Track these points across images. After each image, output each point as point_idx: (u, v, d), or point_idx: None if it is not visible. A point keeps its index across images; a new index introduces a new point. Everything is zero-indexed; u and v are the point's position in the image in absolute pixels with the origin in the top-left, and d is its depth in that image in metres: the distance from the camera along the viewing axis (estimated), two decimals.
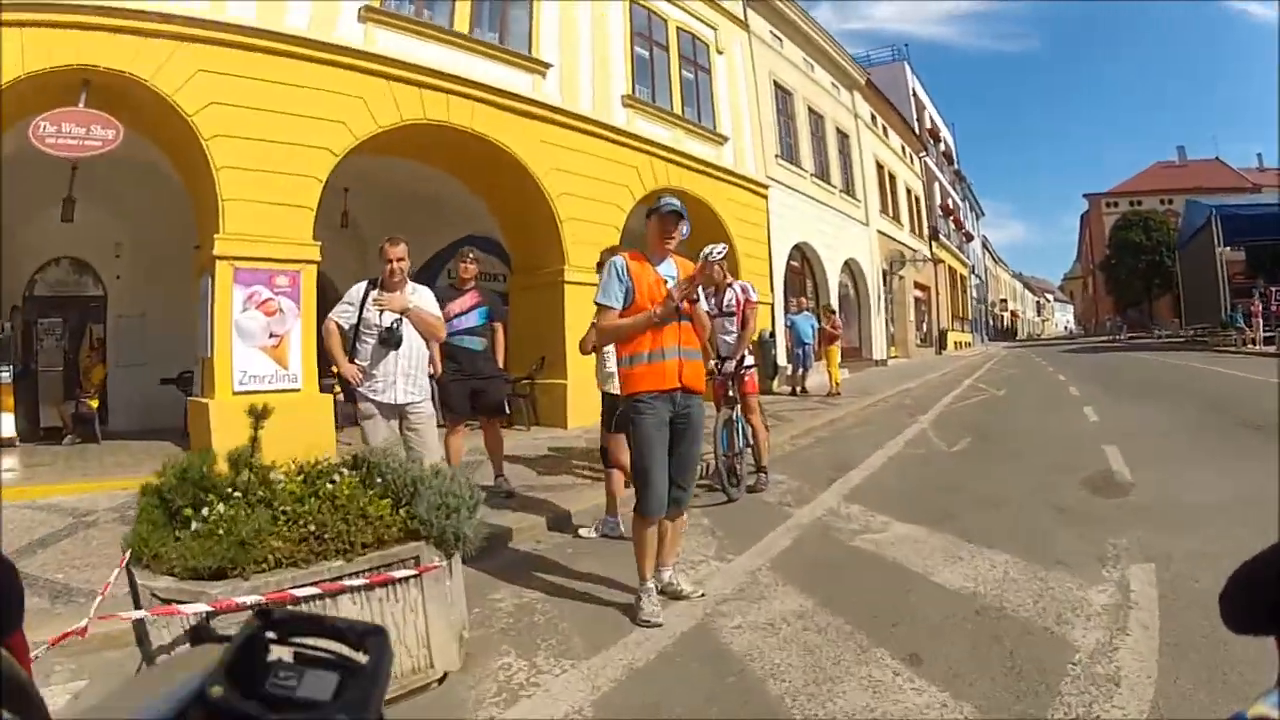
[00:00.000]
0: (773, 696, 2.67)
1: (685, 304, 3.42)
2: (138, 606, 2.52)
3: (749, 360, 6.20)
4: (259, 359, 7.35)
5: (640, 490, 3.48)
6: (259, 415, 2.96)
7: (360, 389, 4.37)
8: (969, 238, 48.30)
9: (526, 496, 5.86)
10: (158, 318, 10.98)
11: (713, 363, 5.85)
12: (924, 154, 34.51)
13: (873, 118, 25.72)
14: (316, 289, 7.83)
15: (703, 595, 3.67)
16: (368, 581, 2.68)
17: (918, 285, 30.15)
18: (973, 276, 49.23)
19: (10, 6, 6.29)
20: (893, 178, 27.68)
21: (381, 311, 4.31)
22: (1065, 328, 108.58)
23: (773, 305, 15.28)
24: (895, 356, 25.15)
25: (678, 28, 13.73)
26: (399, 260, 4.38)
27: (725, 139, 14.48)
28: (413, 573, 2.77)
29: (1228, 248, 27.65)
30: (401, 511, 2.87)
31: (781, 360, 14.68)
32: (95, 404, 9.76)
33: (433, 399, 4.76)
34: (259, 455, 2.92)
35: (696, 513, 5.23)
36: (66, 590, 3.82)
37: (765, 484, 6.19)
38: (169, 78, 6.96)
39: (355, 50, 8.23)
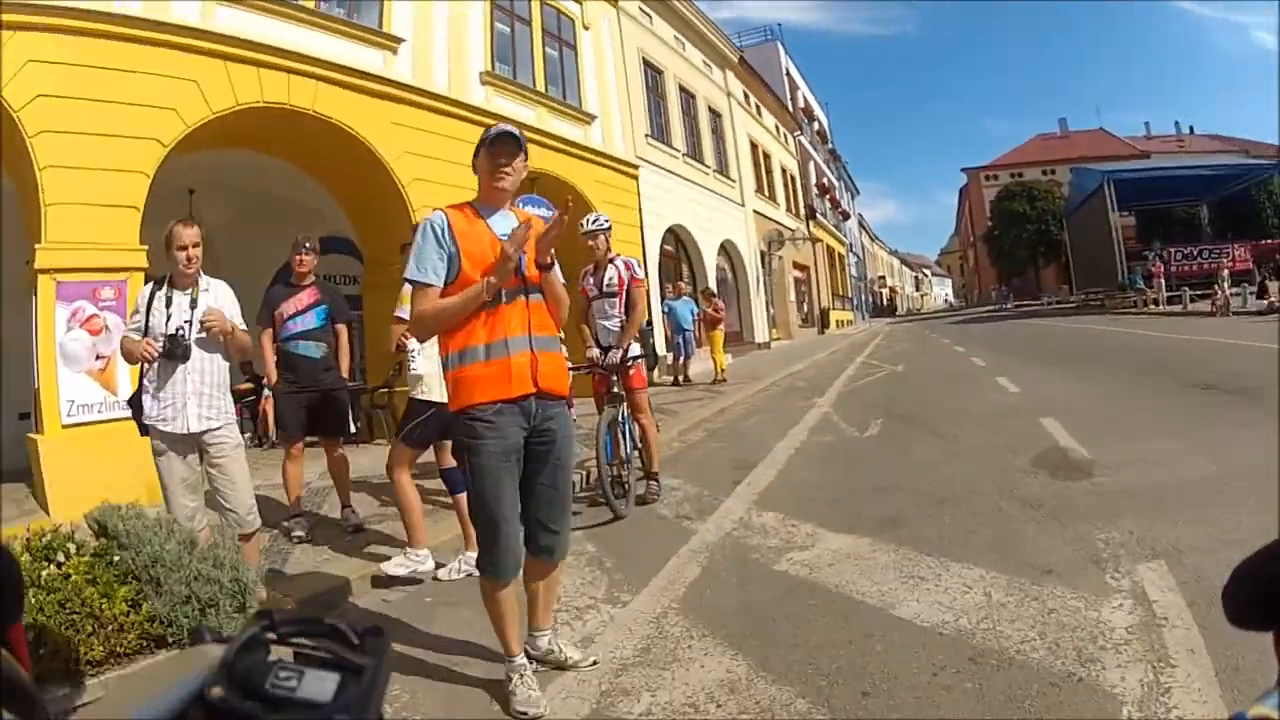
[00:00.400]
0: None
1: (533, 268, 2.65)
2: None
3: (635, 350, 5.53)
4: (86, 385, 6.66)
5: (484, 544, 2.68)
6: None
7: (148, 419, 3.66)
8: (845, 216, 50.54)
9: (378, 531, 5.08)
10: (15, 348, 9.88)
11: (594, 352, 5.47)
12: (798, 133, 35.79)
13: (746, 96, 26.41)
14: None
15: (594, 663, 2.92)
16: None
17: (797, 265, 31.29)
18: (851, 255, 51.58)
19: None
20: (767, 156, 28.58)
21: (168, 317, 3.63)
22: (945, 301, 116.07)
23: (648, 291, 15.39)
24: (779, 338, 25.90)
25: (542, 2, 13.57)
26: (194, 247, 3.68)
27: (593, 118, 14.46)
28: None
29: (1123, 213, 29.86)
30: (144, 607, 2.26)
31: (661, 349, 14.70)
32: None
33: (256, 417, 4.35)
34: None
35: (579, 536, 4.57)
36: None
37: (658, 493, 5.57)
38: None
39: (192, 29, 7.65)
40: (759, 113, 28.36)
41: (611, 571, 4.01)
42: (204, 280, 3.81)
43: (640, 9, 17.94)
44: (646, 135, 16.84)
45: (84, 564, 2.31)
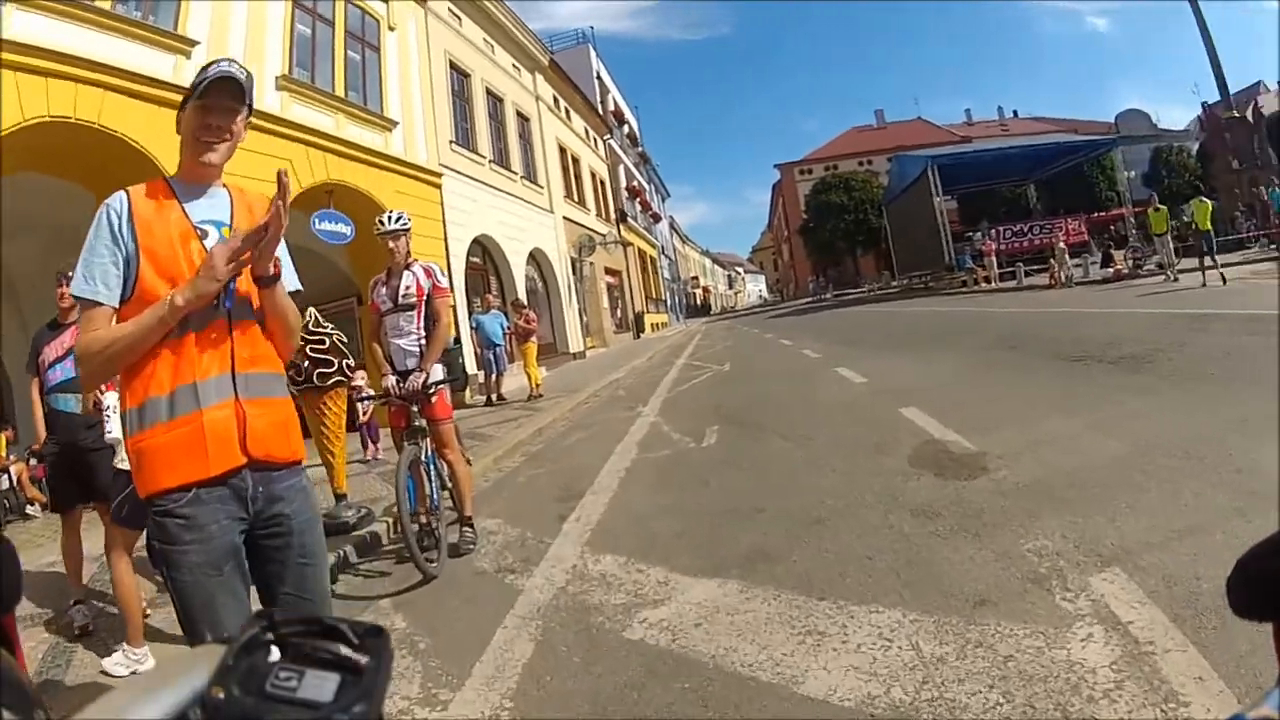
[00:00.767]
0: None
1: (249, 282, 1.93)
2: None
3: (438, 373, 4.81)
4: None
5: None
6: None
7: None
8: (656, 219, 52.64)
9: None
10: None
11: (389, 380, 4.75)
12: (608, 136, 37.12)
13: (555, 100, 27.22)
14: None
15: None
16: None
17: (609, 271, 32.46)
18: (663, 257, 53.70)
19: None
20: (576, 161, 29.54)
21: None
22: (759, 297, 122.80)
23: (454, 307, 15.57)
24: (593, 346, 26.51)
25: (346, 1, 13.52)
26: None
27: (394, 124, 14.55)
28: None
29: (945, 197, 32.30)
30: None
31: (471, 367, 14.45)
32: None
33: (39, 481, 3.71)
34: None
35: (385, 606, 4.12)
36: None
37: (473, 541, 4.91)
38: None
39: None
40: (569, 116, 29.24)
41: (426, 656, 3.33)
42: None
43: (450, 10, 18.14)
44: (451, 141, 17.06)
45: None
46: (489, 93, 20.31)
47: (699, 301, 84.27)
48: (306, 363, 5.73)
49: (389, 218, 4.88)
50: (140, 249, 1.86)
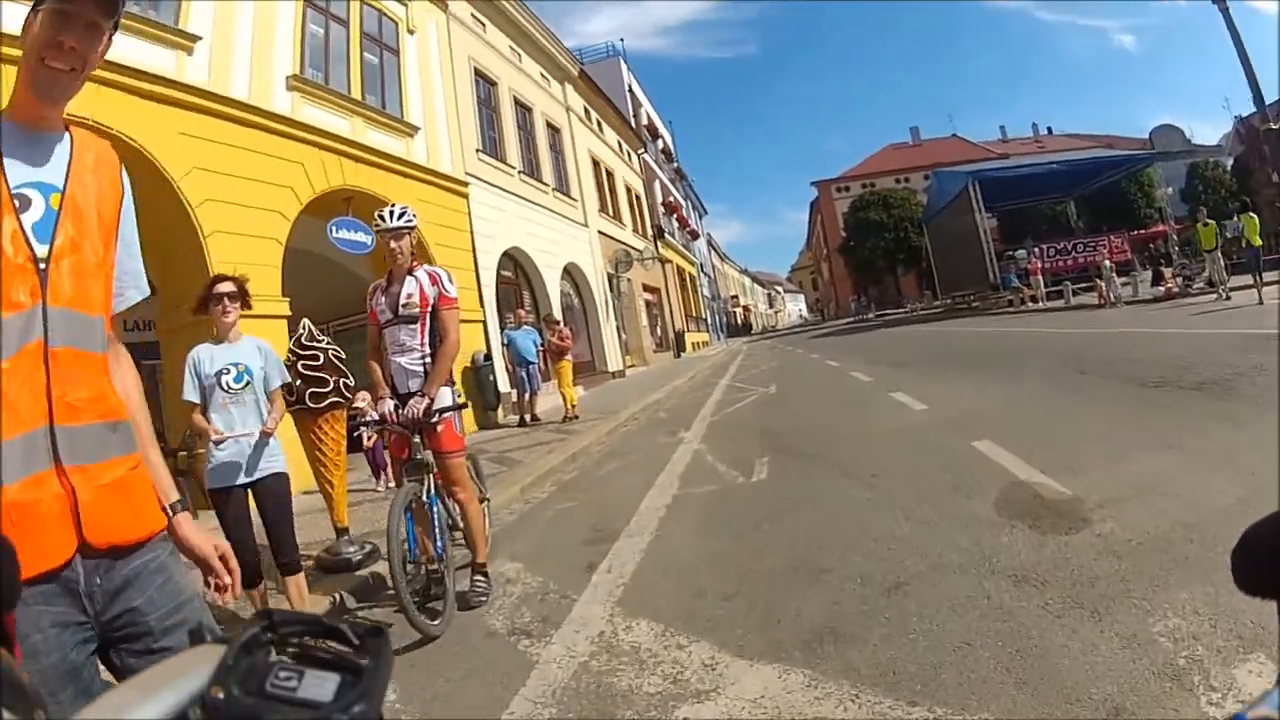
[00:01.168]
0: None
1: (73, 248, 1.37)
2: None
3: (446, 398, 4.20)
4: None
5: None
6: None
7: None
8: (694, 235, 52.16)
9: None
10: None
11: (388, 405, 4.14)
12: (642, 150, 36.62)
13: (587, 112, 26.73)
14: None
15: None
16: None
17: (647, 288, 31.83)
18: (702, 275, 53.16)
19: None
20: (610, 174, 29.00)
21: None
22: (800, 316, 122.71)
23: (485, 322, 15.02)
24: (633, 365, 25.94)
25: (362, 1, 13.05)
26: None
27: (416, 129, 14.01)
28: None
29: (987, 214, 31.56)
30: None
31: (504, 386, 14.28)
32: None
33: None
34: None
35: None
36: None
37: (486, 592, 4.26)
38: None
39: None
40: (600, 129, 28.75)
41: None
42: None
43: (473, 16, 17.73)
44: (478, 150, 16.54)
45: None
46: (517, 102, 19.87)
47: (740, 320, 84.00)
48: (299, 381, 4.98)
49: (390, 212, 4.26)
50: None
